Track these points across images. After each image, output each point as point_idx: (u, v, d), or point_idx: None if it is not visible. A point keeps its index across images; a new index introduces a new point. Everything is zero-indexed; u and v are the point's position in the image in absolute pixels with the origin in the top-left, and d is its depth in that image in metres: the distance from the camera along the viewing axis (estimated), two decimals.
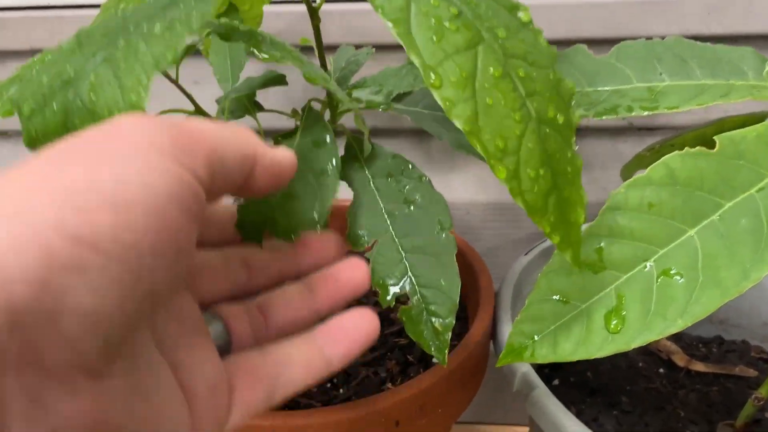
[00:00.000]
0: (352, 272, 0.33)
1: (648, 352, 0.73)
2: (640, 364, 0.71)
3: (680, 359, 0.71)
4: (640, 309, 0.33)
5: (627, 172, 0.60)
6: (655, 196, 0.35)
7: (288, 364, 0.29)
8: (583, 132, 0.72)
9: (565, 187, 0.29)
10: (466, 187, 0.76)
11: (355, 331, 0.31)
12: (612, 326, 0.33)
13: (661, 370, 0.70)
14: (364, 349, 0.31)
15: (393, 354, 0.57)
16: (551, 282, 0.36)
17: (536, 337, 0.36)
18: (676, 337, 0.75)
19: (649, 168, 0.36)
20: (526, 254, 0.66)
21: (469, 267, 0.62)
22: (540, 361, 0.35)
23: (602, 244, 0.35)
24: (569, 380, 0.66)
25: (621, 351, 0.33)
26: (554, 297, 0.35)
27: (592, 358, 0.34)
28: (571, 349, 0.34)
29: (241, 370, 0.28)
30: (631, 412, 0.63)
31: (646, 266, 0.34)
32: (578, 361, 0.72)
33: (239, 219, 0.32)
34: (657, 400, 0.65)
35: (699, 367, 0.69)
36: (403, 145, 0.74)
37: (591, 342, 0.34)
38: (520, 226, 0.77)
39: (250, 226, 0.32)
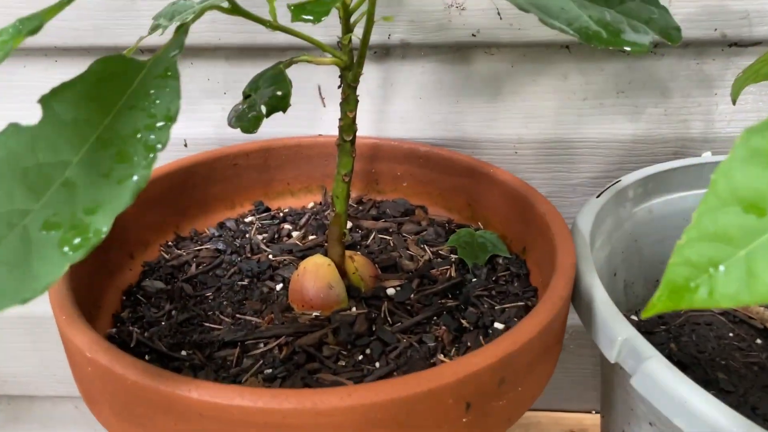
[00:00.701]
0: None
1: (737, 320, 0.62)
2: (731, 335, 0.60)
3: None
4: None
5: (741, 84, 0.49)
6: None
7: None
8: (662, 48, 0.60)
9: None
10: (512, 121, 0.64)
11: None
12: None
13: (759, 341, 0.59)
14: None
15: (441, 319, 0.45)
16: (735, 183, 0.24)
17: (715, 270, 0.24)
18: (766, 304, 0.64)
19: None
20: (598, 196, 0.54)
21: (530, 209, 0.51)
22: (727, 305, 0.23)
23: None
24: None
25: None
26: (740, 207, 0.24)
27: None
28: None
29: None
30: (733, 392, 0.52)
31: None
32: (656, 332, 0.61)
33: None
34: (761, 376, 0.54)
35: None
36: (439, 67, 0.62)
37: None
38: (579, 168, 0.65)
39: None
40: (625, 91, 0.62)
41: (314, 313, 0.46)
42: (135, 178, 0.29)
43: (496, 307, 0.47)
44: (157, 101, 0.32)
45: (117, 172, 0.29)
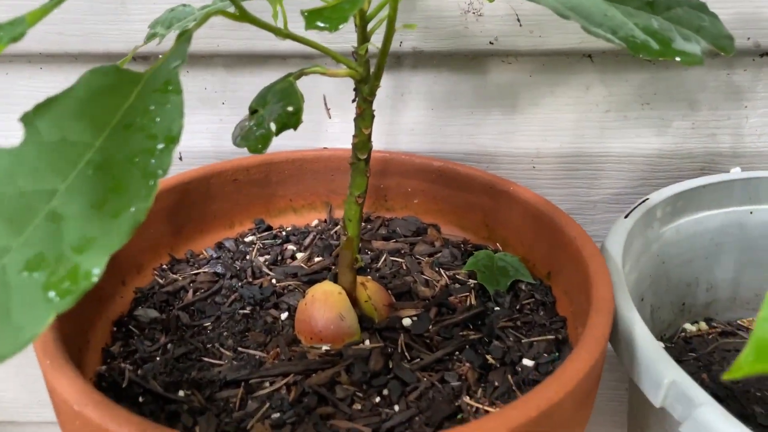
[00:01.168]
0: None
1: None
2: None
3: None
4: None
5: None
6: None
7: None
8: None
9: None
10: (531, 134, 0.60)
11: None
12: None
13: None
14: None
15: (463, 354, 0.42)
16: None
17: None
18: None
19: None
20: (626, 217, 0.51)
21: (556, 232, 0.47)
22: None
23: None
24: None
25: None
26: None
27: None
28: None
29: None
30: None
31: None
32: (685, 360, 0.58)
33: None
34: None
35: None
36: (453, 76, 0.58)
37: None
38: (600, 184, 0.62)
39: None
40: (651, 103, 0.59)
41: (324, 347, 0.43)
42: (132, 209, 0.25)
43: (523, 341, 0.43)
44: (157, 119, 0.28)
45: (111, 203, 0.25)
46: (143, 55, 0.57)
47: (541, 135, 0.60)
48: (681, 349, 0.59)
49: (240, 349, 0.43)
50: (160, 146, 0.27)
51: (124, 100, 0.28)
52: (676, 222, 0.56)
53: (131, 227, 0.25)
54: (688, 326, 0.61)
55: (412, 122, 0.61)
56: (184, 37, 0.31)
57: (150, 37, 0.39)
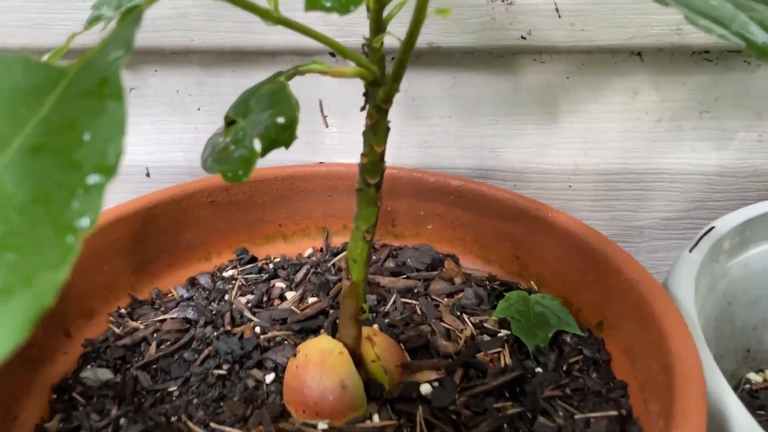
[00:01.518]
0: None
1: None
2: None
3: None
4: None
5: None
6: None
7: None
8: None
9: None
10: (567, 147, 0.52)
11: None
12: None
13: None
14: None
15: None
16: None
17: None
18: None
19: None
20: (691, 251, 0.43)
21: (610, 272, 0.39)
22: None
23: None
24: None
25: None
26: None
27: None
28: None
29: None
30: None
31: None
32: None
33: None
34: None
35: None
36: (476, 78, 0.50)
37: None
38: (648, 206, 0.54)
39: None
40: (710, 111, 0.51)
41: (320, 424, 0.34)
42: (37, 288, 0.17)
43: (576, 417, 0.35)
44: (86, 137, 0.20)
45: (1, 274, 0.17)
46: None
47: (579, 148, 0.52)
48: (748, 406, 0.50)
49: (213, 425, 0.35)
50: (90, 180, 0.18)
51: (35, 109, 0.20)
52: (743, 255, 0.49)
53: (30, 316, 0.16)
54: (752, 376, 0.53)
55: (426, 132, 0.53)
56: (132, 16, 0.23)
57: (92, 20, 0.30)
